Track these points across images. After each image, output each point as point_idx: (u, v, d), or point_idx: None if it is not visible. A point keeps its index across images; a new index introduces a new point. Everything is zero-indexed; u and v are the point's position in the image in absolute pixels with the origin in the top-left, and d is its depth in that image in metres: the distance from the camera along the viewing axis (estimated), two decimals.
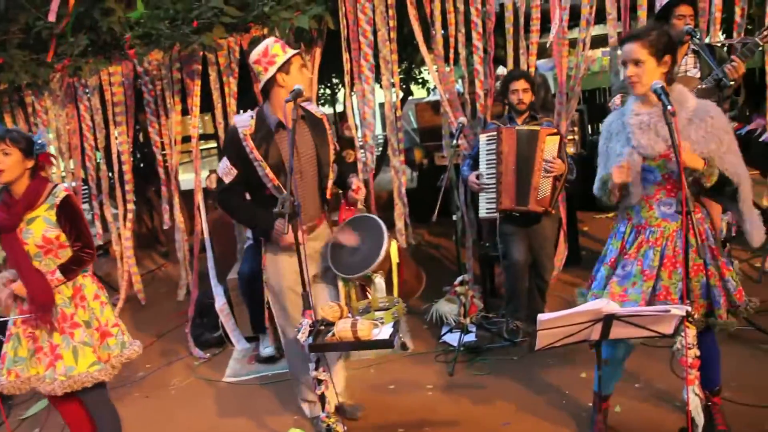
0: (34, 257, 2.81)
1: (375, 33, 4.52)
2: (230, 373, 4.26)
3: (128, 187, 5.18)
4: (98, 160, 5.42)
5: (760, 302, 2.66)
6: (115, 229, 5.38)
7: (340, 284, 3.10)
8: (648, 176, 2.54)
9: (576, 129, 5.83)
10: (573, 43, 4.57)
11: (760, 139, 4.54)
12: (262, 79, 2.99)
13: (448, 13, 4.51)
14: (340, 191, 3.36)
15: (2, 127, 2.90)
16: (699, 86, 3.62)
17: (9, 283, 2.81)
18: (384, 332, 2.53)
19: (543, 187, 3.80)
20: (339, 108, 10.92)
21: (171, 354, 4.73)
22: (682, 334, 2.27)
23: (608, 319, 2.21)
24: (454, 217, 4.07)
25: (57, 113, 5.14)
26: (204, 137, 8.75)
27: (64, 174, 5.39)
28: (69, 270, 2.82)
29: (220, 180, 3.12)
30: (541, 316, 2.21)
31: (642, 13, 4.23)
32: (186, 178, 7.07)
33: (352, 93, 4.85)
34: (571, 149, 5.41)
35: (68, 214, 2.83)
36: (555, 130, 3.81)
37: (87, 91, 5.00)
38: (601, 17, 4.36)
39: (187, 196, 5.29)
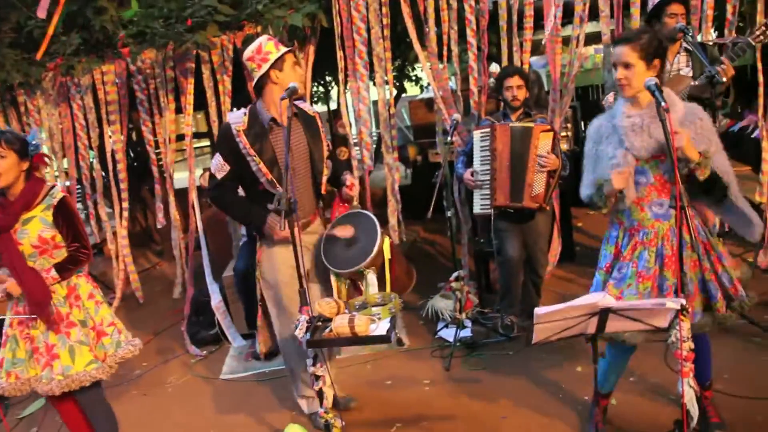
0: (28, 257, 2.81)
1: (369, 31, 4.53)
2: (227, 371, 4.27)
3: (123, 185, 5.17)
4: (92, 159, 5.41)
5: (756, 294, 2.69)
6: (110, 228, 5.37)
7: (333, 279, 3.13)
8: (640, 178, 2.56)
9: (569, 125, 5.86)
10: (566, 41, 4.59)
11: (752, 136, 4.57)
12: (255, 76, 3.02)
13: (441, 11, 4.52)
14: (335, 189, 3.38)
15: None
16: (692, 84, 3.65)
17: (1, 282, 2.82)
18: (381, 328, 2.55)
19: (537, 184, 3.82)
20: (332, 105, 10.93)
21: (167, 352, 4.73)
22: (677, 327, 2.30)
23: (604, 313, 2.24)
24: (449, 214, 4.09)
25: (49, 112, 5.12)
26: (197, 135, 8.73)
27: (57, 174, 5.38)
28: (65, 269, 2.83)
29: (212, 176, 3.14)
30: (537, 310, 2.23)
31: (635, 11, 4.26)
32: (180, 177, 7.07)
33: (346, 91, 4.86)
34: (564, 146, 5.43)
35: (65, 216, 2.84)
36: (549, 127, 3.83)
37: (80, 90, 4.98)
38: (593, 14, 4.39)
39: (181, 195, 5.28)
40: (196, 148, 5.80)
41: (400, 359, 4.03)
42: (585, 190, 2.73)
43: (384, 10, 4.51)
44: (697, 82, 3.63)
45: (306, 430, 3.19)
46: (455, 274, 4.02)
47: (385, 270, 3.04)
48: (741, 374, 3.19)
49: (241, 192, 3.30)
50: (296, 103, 3.12)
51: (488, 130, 3.93)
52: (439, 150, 5.05)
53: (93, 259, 2.99)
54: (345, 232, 3.13)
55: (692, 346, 2.34)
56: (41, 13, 4.41)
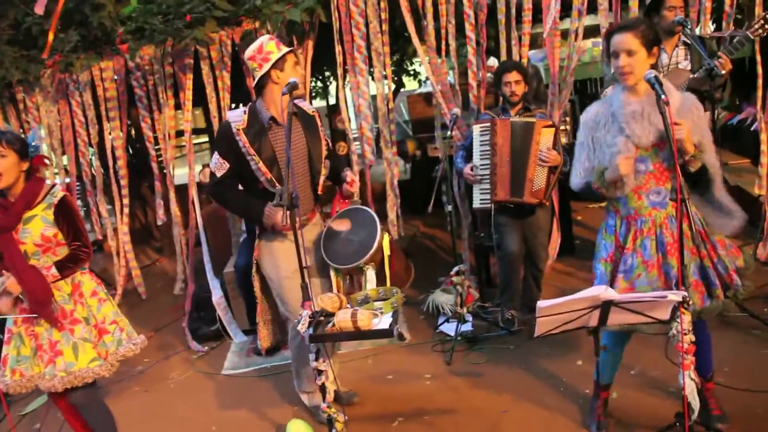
0: (32, 256, 2.82)
1: (367, 25, 4.53)
2: (229, 366, 4.28)
3: (123, 182, 5.18)
4: (90, 156, 5.41)
5: (754, 289, 2.69)
6: (110, 225, 5.38)
7: (332, 274, 3.15)
8: (639, 166, 2.56)
9: (568, 119, 5.86)
10: (564, 34, 4.59)
11: (752, 129, 4.57)
12: (257, 76, 3.03)
13: (440, 5, 4.52)
14: (335, 185, 3.39)
15: None
16: (690, 77, 3.65)
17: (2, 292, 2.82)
18: (383, 322, 2.56)
19: (538, 179, 3.82)
20: (331, 100, 10.92)
21: (169, 348, 4.74)
22: (678, 320, 2.31)
23: (606, 306, 2.25)
24: (449, 208, 4.10)
25: (48, 109, 5.11)
26: (195, 131, 8.72)
27: (57, 171, 5.37)
28: (65, 267, 2.84)
29: (212, 174, 3.16)
30: (540, 303, 2.24)
31: (633, 4, 4.25)
32: (179, 173, 7.06)
33: (345, 85, 4.86)
34: (563, 139, 5.44)
35: (66, 214, 2.85)
36: (550, 122, 3.84)
37: (78, 86, 4.97)
38: (591, 8, 4.39)
39: (181, 191, 5.28)
40: (194, 144, 5.80)
41: (401, 354, 4.05)
42: (578, 179, 2.72)
43: (382, 4, 4.50)
44: (695, 75, 3.63)
45: (308, 425, 3.20)
46: (456, 269, 4.02)
47: (385, 266, 3.06)
48: (741, 367, 3.21)
49: (240, 188, 3.31)
50: (296, 102, 3.13)
51: (488, 124, 3.93)
52: (438, 144, 5.05)
53: (93, 257, 3.00)
54: (342, 225, 3.14)
55: (693, 338, 2.35)
56: (39, 10, 4.40)
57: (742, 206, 2.80)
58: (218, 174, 3.12)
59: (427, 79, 9.81)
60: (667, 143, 2.36)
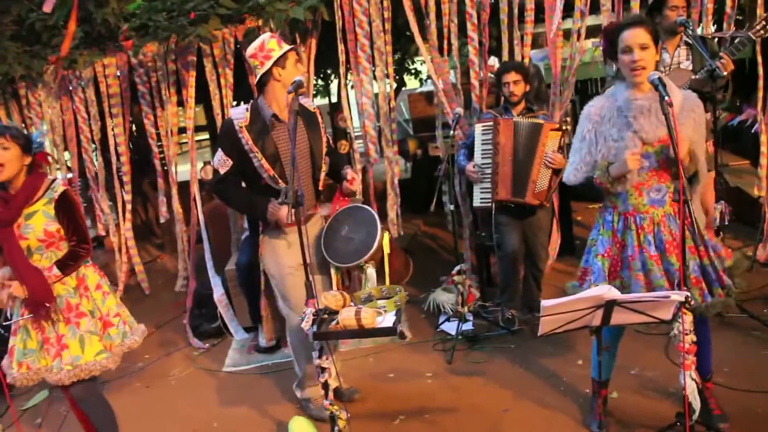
0: (35, 251, 2.83)
1: (370, 24, 4.54)
2: (230, 363, 4.29)
3: (126, 178, 5.19)
4: (93, 152, 5.42)
5: (754, 290, 2.72)
6: (112, 221, 5.39)
7: (333, 272, 3.18)
8: (643, 162, 2.56)
9: (569, 119, 5.85)
10: (566, 34, 4.60)
11: (753, 131, 4.59)
12: (258, 73, 3.05)
13: (443, 4, 4.53)
14: (336, 183, 3.40)
15: (1, 123, 2.92)
16: (692, 77, 3.66)
17: (5, 281, 2.82)
18: (387, 320, 2.58)
19: (541, 181, 3.84)
20: (332, 98, 10.92)
21: (170, 345, 4.75)
22: (679, 320, 2.32)
23: (609, 305, 2.26)
24: (451, 207, 4.11)
25: (51, 105, 5.12)
26: (195, 129, 8.73)
27: (58, 167, 5.38)
28: (66, 265, 2.85)
29: (215, 171, 3.17)
30: (544, 303, 2.25)
31: (635, 5, 4.27)
32: (180, 170, 7.06)
33: (347, 84, 4.87)
34: (564, 140, 5.45)
35: (66, 209, 2.86)
36: (557, 125, 3.85)
37: (81, 83, 4.97)
38: (592, 8, 4.40)
39: (182, 188, 5.29)
40: (195, 141, 5.82)
41: (402, 352, 4.06)
42: (578, 174, 2.70)
43: (385, 3, 4.51)
44: (697, 76, 3.65)
45: (310, 422, 3.21)
46: (458, 268, 4.03)
47: (384, 264, 3.08)
48: (741, 367, 3.23)
49: (243, 185, 3.33)
50: (293, 99, 3.14)
51: (490, 123, 3.94)
52: (438, 144, 5.06)
53: (93, 253, 3.01)
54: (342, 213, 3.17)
55: (694, 338, 2.37)
56: (47, 8, 4.39)
57: (742, 208, 2.83)
58: (221, 171, 3.14)
59: (429, 77, 9.78)
60: (671, 146, 2.36)
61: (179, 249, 5.41)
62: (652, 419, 2.90)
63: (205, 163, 5.90)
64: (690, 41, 3.68)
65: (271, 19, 4.45)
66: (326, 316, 2.67)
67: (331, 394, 2.76)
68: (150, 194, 7.10)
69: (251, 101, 3.17)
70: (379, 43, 4.58)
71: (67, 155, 5.40)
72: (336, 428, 2.77)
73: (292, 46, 3.09)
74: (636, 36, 2.46)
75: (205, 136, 10.93)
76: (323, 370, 2.74)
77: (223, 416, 3.63)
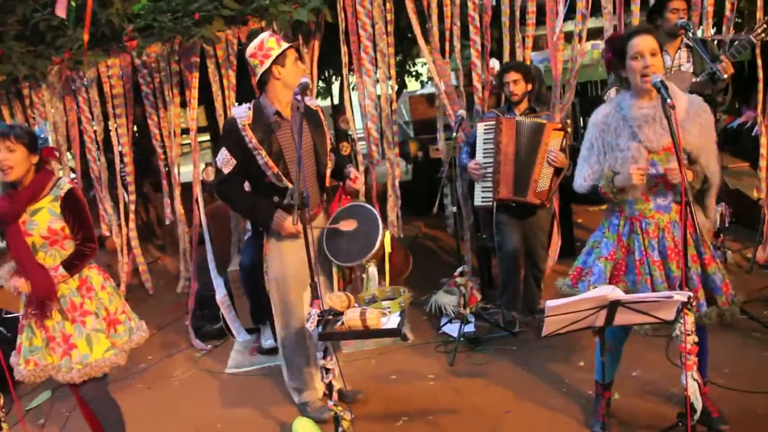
0: (39, 248, 2.83)
1: (373, 26, 4.56)
2: (232, 365, 4.30)
3: (129, 179, 5.21)
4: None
5: (753, 291, 2.74)
6: (115, 221, 5.40)
7: (335, 271, 3.22)
8: (649, 170, 2.58)
9: (569, 121, 5.89)
10: (567, 36, 4.62)
11: (753, 133, 4.62)
12: (258, 72, 3.07)
13: (445, 7, 4.56)
14: (339, 182, 3.42)
15: (5, 124, 2.92)
16: (693, 80, 3.69)
17: (12, 275, 2.84)
18: (392, 321, 2.60)
19: (543, 180, 3.86)
20: (334, 100, 10.94)
21: (172, 346, 4.76)
22: (681, 321, 2.34)
23: (613, 306, 2.28)
24: (453, 209, 4.12)
25: (54, 105, 5.13)
26: (197, 130, 8.74)
27: (61, 168, 5.39)
28: (72, 265, 2.85)
29: (219, 171, 3.18)
30: (549, 303, 2.27)
31: (636, 8, 4.29)
32: (182, 171, 7.07)
33: (350, 85, 4.89)
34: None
35: (72, 207, 2.86)
36: (560, 125, 3.87)
37: (85, 83, 4.99)
38: (593, 10, 4.42)
39: (184, 189, 5.31)
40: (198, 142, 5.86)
41: (405, 354, 4.07)
42: (585, 182, 2.73)
43: (388, 5, 4.53)
44: (698, 79, 3.67)
45: (314, 423, 3.23)
46: (460, 269, 4.05)
47: (385, 262, 3.11)
48: (741, 369, 3.25)
49: (247, 186, 3.34)
50: (298, 97, 3.16)
51: (493, 123, 3.96)
52: (440, 146, 5.08)
53: (98, 251, 3.02)
54: (348, 226, 3.17)
55: (696, 339, 2.38)
56: (60, 12, 4.40)
57: (742, 210, 2.86)
58: (225, 170, 3.15)
59: (429, 79, 9.79)
60: (675, 150, 2.38)
61: (181, 250, 5.42)
62: (653, 420, 2.92)
63: (207, 164, 5.92)
64: (691, 44, 3.70)
65: (274, 20, 4.47)
66: (331, 317, 2.69)
67: (335, 395, 2.78)
68: (151, 195, 7.11)
69: (253, 100, 3.18)
70: (381, 45, 4.59)
71: (68, 155, 5.41)
72: (340, 429, 2.79)
73: (291, 44, 3.10)
74: (647, 43, 2.50)
75: (206, 137, 10.93)
76: (327, 370, 2.75)
77: (226, 417, 3.64)
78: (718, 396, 2.91)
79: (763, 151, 4.43)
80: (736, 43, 3.65)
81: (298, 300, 3.30)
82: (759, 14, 4.22)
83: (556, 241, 4.97)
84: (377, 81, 4.70)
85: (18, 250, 2.80)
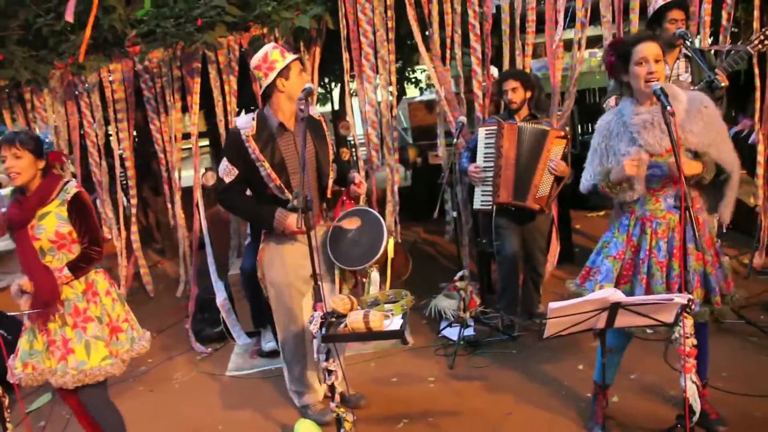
0: (47, 252, 2.85)
1: (374, 33, 4.60)
2: (233, 367, 4.31)
3: (131, 182, 5.24)
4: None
5: (749, 296, 2.78)
6: (115, 225, 5.42)
7: (337, 275, 3.24)
8: (655, 171, 2.62)
9: (567, 128, 5.94)
10: (566, 44, 4.67)
11: (749, 142, 4.67)
12: (263, 84, 3.09)
13: (446, 15, 4.61)
14: (342, 188, 3.45)
15: (10, 130, 2.95)
16: (692, 89, 3.73)
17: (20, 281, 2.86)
18: (395, 323, 2.62)
19: (543, 186, 3.90)
20: (331, 107, 10.98)
21: (172, 349, 4.77)
22: (680, 324, 2.38)
23: (614, 308, 2.32)
24: (453, 214, 4.16)
25: (56, 110, 5.16)
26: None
27: (63, 171, 5.41)
28: (77, 267, 2.86)
29: (221, 180, 3.20)
30: (551, 305, 2.30)
31: (634, 17, 4.34)
32: (183, 175, 7.09)
33: (351, 92, 4.92)
34: None
35: (78, 211, 2.87)
36: (563, 133, 3.91)
37: (87, 87, 5.02)
38: (592, 19, 4.47)
39: (184, 193, 5.33)
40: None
41: (404, 357, 4.10)
42: (587, 183, 2.80)
43: (389, 13, 4.58)
44: (696, 88, 3.71)
45: (316, 425, 3.25)
46: (460, 273, 4.08)
47: (387, 266, 3.13)
48: (739, 372, 3.28)
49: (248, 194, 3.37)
50: (302, 107, 3.19)
51: (494, 127, 3.99)
52: (440, 152, 5.13)
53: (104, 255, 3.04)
54: (351, 224, 3.20)
55: (695, 342, 2.42)
56: (69, 17, 4.43)
57: (739, 216, 2.89)
58: (226, 180, 3.17)
59: (428, 86, 9.83)
60: (674, 157, 2.42)
61: (180, 254, 5.44)
62: (652, 422, 2.95)
63: (207, 169, 5.94)
64: (689, 53, 3.75)
65: (276, 27, 4.51)
66: (334, 319, 2.71)
67: (337, 397, 2.80)
68: (150, 200, 7.12)
69: (257, 110, 3.20)
70: (382, 51, 4.64)
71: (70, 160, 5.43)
72: (342, 430, 2.81)
73: (296, 56, 3.11)
74: (652, 49, 2.54)
75: (205, 142, 10.95)
76: (330, 372, 2.78)
77: (227, 419, 3.65)
78: (716, 399, 2.94)
79: (760, 158, 4.48)
80: (732, 53, 3.69)
81: (298, 303, 3.33)
82: (756, 24, 4.28)
83: (555, 247, 5.01)
84: (376, 87, 4.75)
85: (25, 253, 2.82)
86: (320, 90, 10.42)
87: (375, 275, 3.12)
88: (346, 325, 2.62)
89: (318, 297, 2.70)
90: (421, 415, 3.37)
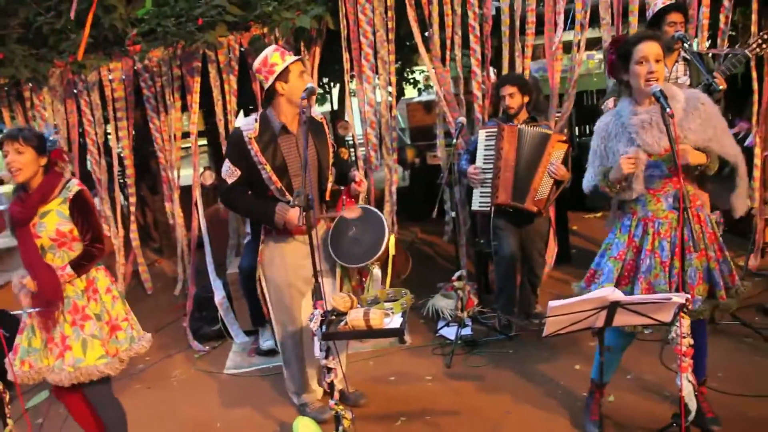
0: (48, 250, 2.86)
1: (374, 33, 4.62)
2: (231, 366, 4.33)
3: (130, 181, 5.25)
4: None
5: (745, 298, 2.80)
6: (113, 223, 5.43)
7: (338, 272, 3.26)
8: (654, 171, 2.65)
9: (565, 131, 5.97)
10: (565, 46, 4.70)
11: (745, 144, 4.70)
12: (265, 87, 3.10)
13: (446, 16, 4.63)
14: (341, 187, 3.47)
15: (13, 127, 2.96)
16: None
17: (22, 277, 2.87)
18: (395, 321, 2.64)
19: (542, 189, 3.92)
20: (330, 107, 11.00)
21: (170, 347, 4.78)
22: (677, 323, 2.40)
23: (613, 307, 2.34)
24: (452, 215, 4.18)
25: (56, 108, 5.16)
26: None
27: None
28: (80, 265, 2.87)
29: (223, 180, 3.22)
30: (551, 303, 2.32)
31: (633, 20, 4.37)
32: (182, 174, 7.10)
33: (351, 92, 4.94)
34: None
35: (80, 209, 2.88)
36: (565, 138, 3.94)
37: (87, 86, 5.02)
38: (591, 21, 4.50)
39: (183, 192, 5.34)
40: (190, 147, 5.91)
41: (402, 356, 4.12)
42: (588, 183, 2.83)
43: (389, 13, 4.60)
44: None
45: (315, 423, 3.26)
46: (458, 273, 4.10)
47: (388, 264, 3.15)
48: (734, 373, 3.31)
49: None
50: (304, 108, 3.20)
51: (494, 129, 4.01)
52: (439, 152, 5.15)
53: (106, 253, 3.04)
54: (352, 213, 3.22)
55: (691, 341, 2.44)
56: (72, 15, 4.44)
57: (734, 219, 2.92)
58: (229, 181, 3.19)
59: (427, 87, 9.85)
60: (673, 158, 2.45)
61: (178, 253, 5.45)
62: (648, 421, 2.97)
63: (205, 168, 5.94)
64: (687, 56, 3.78)
65: (277, 27, 4.52)
66: (334, 317, 2.73)
67: (336, 394, 2.81)
68: (148, 198, 7.13)
69: (260, 112, 3.21)
70: (382, 52, 4.66)
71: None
72: (340, 428, 2.82)
73: (296, 58, 3.11)
74: (652, 49, 2.56)
75: (203, 141, 10.95)
76: (329, 370, 2.79)
77: (225, 417, 3.66)
78: (711, 399, 2.97)
79: (756, 161, 4.51)
80: (730, 56, 3.72)
81: (298, 303, 3.34)
82: (753, 28, 4.31)
83: (553, 248, 5.03)
84: (375, 87, 4.76)
85: (27, 251, 2.83)
86: (319, 90, 10.44)
87: (377, 272, 3.14)
88: (346, 323, 2.64)
89: (318, 295, 2.71)
90: (418, 414, 3.39)
